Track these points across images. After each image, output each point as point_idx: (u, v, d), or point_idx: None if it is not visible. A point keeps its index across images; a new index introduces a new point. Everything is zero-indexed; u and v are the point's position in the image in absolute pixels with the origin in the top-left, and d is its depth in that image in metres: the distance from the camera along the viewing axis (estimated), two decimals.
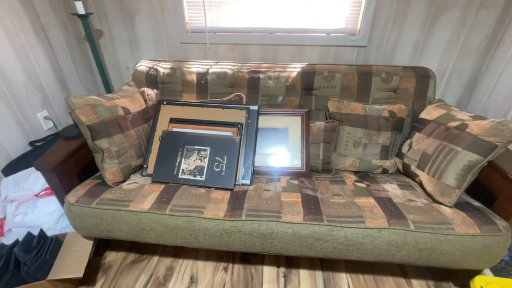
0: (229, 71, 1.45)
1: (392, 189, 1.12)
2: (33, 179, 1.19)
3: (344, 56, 1.59)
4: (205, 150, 1.20)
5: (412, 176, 1.20)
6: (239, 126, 1.28)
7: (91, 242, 1.13)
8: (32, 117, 1.39)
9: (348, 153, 1.29)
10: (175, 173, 1.17)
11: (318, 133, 1.30)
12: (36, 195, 1.16)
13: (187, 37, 1.62)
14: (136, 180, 1.19)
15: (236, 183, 1.18)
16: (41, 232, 1.09)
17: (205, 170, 1.16)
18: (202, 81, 1.46)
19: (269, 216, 0.97)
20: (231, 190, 1.13)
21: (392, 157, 1.30)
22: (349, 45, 1.55)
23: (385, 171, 1.29)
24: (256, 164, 1.27)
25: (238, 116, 1.30)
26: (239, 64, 1.48)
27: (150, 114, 1.38)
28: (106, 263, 1.28)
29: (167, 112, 1.34)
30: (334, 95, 1.40)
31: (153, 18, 1.59)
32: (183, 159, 1.19)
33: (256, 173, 1.27)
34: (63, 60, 1.56)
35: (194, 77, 1.46)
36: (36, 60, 1.39)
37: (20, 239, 1.06)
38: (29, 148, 1.36)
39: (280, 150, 1.28)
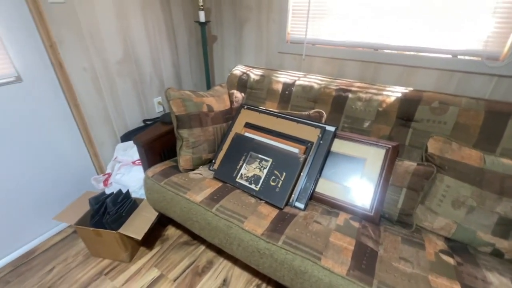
0: (315, 85, 1.37)
1: (499, 284, 0.77)
2: (135, 149, 1.49)
3: (473, 86, 1.22)
4: (267, 161, 1.18)
5: None
6: (309, 144, 1.19)
7: (156, 214, 1.31)
8: (150, 101, 1.74)
9: (441, 211, 0.98)
10: (234, 175, 1.20)
11: (404, 175, 1.04)
12: (133, 162, 1.45)
13: (286, 47, 1.64)
14: (202, 172, 1.29)
15: (289, 203, 1.10)
16: (127, 193, 1.35)
17: (261, 181, 1.14)
18: (287, 92, 1.44)
19: (307, 253, 0.85)
20: (280, 209, 1.06)
21: None
22: (485, 73, 1.17)
23: (497, 254, 0.90)
24: (316, 189, 1.14)
25: (311, 134, 1.21)
26: (329, 79, 1.38)
27: (232, 115, 1.47)
28: (165, 235, 1.46)
29: (245, 116, 1.40)
30: (440, 133, 1.09)
31: (259, 27, 1.69)
32: (244, 164, 1.21)
33: (314, 199, 1.14)
34: (182, 58, 1.88)
35: (279, 87, 1.46)
36: (163, 56, 1.73)
37: (114, 192, 1.34)
38: (141, 124, 1.72)
39: (348, 182, 1.10)
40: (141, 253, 1.35)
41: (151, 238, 1.43)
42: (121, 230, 1.19)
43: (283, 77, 1.47)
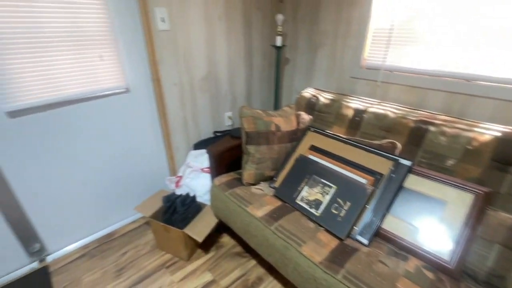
0: (391, 114, 1.30)
1: None
2: (205, 158, 1.63)
3: None
4: (330, 187, 1.15)
5: None
6: (378, 176, 1.12)
7: (216, 220, 1.39)
8: (221, 114, 1.90)
9: None
10: (294, 196, 1.21)
11: (498, 228, 0.89)
12: (202, 169, 1.59)
13: (360, 73, 1.61)
14: (263, 188, 1.33)
15: (351, 235, 1.05)
16: (194, 197, 1.48)
17: (322, 207, 1.12)
18: (357, 118, 1.40)
19: None
20: (341, 240, 1.02)
21: None
22: None
23: None
24: (383, 226, 1.06)
25: (382, 165, 1.14)
26: (407, 109, 1.29)
27: (297, 136, 1.50)
28: (220, 242, 1.54)
29: (311, 138, 1.40)
30: None
31: (333, 52, 1.70)
32: (306, 187, 1.21)
33: (379, 236, 1.06)
34: (255, 78, 2.01)
35: (350, 112, 1.43)
36: (239, 75, 1.89)
37: (183, 194, 1.49)
38: (212, 135, 1.88)
39: (422, 225, 0.99)
40: (198, 255, 1.45)
41: (208, 242, 1.52)
42: (185, 230, 1.31)
43: (355, 103, 1.44)
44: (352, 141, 1.28)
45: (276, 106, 1.98)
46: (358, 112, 1.40)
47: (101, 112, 1.39)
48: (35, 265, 1.40)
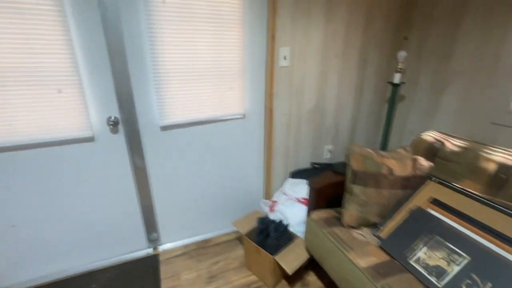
0: None
1: None
2: (301, 188, 1.63)
3: None
4: (461, 256, 0.94)
5: None
6: None
7: (307, 256, 1.34)
8: (321, 147, 1.89)
9: None
10: (406, 254, 1.04)
11: None
12: (297, 199, 1.59)
13: (508, 119, 1.31)
14: (365, 234, 1.21)
15: None
16: (287, 225, 1.48)
17: (447, 278, 0.91)
18: (502, 175, 1.12)
19: None
20: None
21: None
22: None
23: None
24: None
25: None
26: None
27: (411, 183, 1.31)
28: (307, 280, 1.46)
29: (431, 190, 1.21)
30: None
31: (467, 92, 1.46)
32: (424, 247, 1.02)
33: None
34: (362, 114, 1.93)
35: (491, 167, 1.16)
36: (345, 110, 1.86)
37: (277, 220, 1.52)
38: (309, 166, 1.88)
39: None
40: (282, 286, 1.42)
41: (294, 276, 1.47)
42: (276, 257, 1.31)
43: (501, 156, 1.16)
44: (496, 203, 1.02)
45: (384, 145, 1.82)
46: (505, 168, 1.12)
47: (222, 133, 1.62)
48: (150, 251, 1.69)
